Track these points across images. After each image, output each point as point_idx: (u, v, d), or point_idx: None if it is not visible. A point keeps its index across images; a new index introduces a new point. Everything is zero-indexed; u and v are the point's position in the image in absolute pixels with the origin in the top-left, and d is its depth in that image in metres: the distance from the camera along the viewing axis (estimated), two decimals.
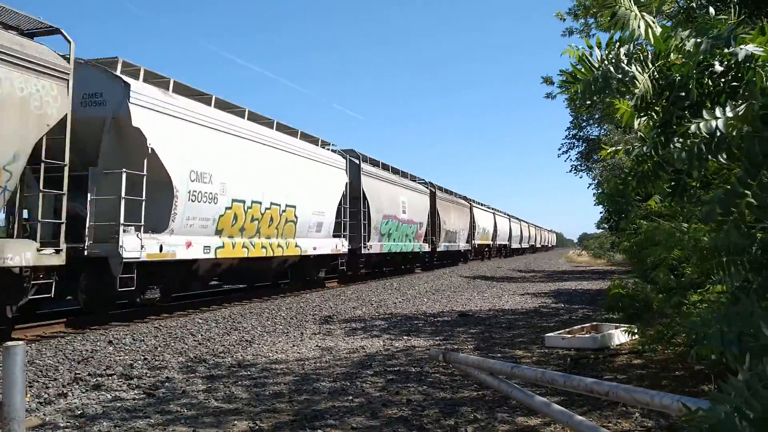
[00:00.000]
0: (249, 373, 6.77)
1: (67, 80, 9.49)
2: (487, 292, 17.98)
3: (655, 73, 2.12)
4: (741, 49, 1.89)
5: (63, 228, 9.46)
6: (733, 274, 2.20)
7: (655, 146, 2.15)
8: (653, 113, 2.21)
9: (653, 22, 2.21)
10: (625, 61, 2.10)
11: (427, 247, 29.87)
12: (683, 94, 2.07)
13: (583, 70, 2.13)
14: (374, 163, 24.13)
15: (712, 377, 4.97)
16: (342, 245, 19.61)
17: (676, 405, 2.65)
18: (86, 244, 10.18)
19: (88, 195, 10.30)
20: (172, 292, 13.24)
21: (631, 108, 2.26)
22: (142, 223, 10.82)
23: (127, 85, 10.81)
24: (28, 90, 8.78)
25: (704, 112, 1.85)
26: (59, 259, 9.29)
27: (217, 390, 5.94)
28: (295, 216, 16.54)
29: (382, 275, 25.60)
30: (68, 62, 9.60)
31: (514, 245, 61.54)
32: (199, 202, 12.35)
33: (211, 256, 12.89)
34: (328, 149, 19.96)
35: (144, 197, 10.85)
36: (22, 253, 8.68)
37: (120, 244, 10.25)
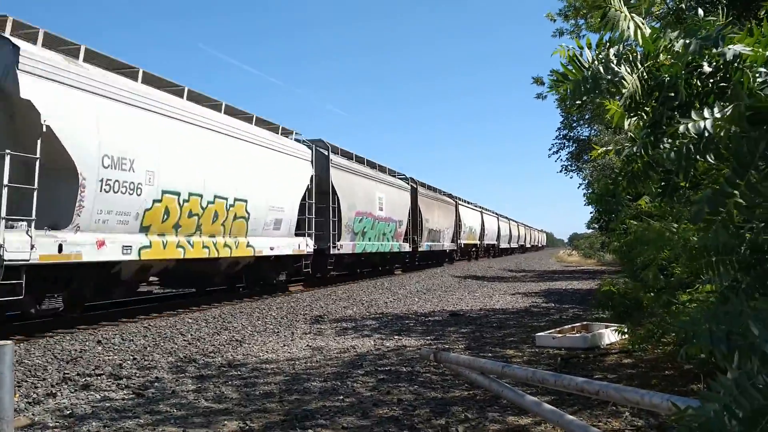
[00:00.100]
0: (239, 372, 6.75)
1: None
2: (478, 291, 18.02)
3: (645, 74, 2.13)
4: (729, 49, 1.91)
5: None
6: (722, 273, 2.21)
7: (645, 146, 2.16)
8: (643, 113, 2.22)
9: (643, 24, 2.22)
10: (615, 62, 2.11)
11: (407, 247, 28.16)
12: (672, 94, 2.08)
13: (573, 70, 2.14)
14: (346, 155, 22.08)
15: (702, 376, 5.00)
16: (306, 245, 17.49)
17: (666, 404, 2.67)
18: None
19: None
20: (86, 300, 11.25)
21: (621, 108, 2.27)
22: (34, 217, 8.74)
23: (16, 48, 8.79)
24: None
25: (692, 113, 1.87)
26: None
27: (207, 390, 5.92)
28: (247, 212, 14.44)
29: (356, 277, 23.58)
30: None
31: (503, 245, 60.26)
32: (116, 192, 10.29)
33: (134, 257, 10.78)
34: (292, 138, 17.81)
35: (36, 186, 8.80)
36: None
37: None
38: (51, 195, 9.28)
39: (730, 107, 1.82)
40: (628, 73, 2.08)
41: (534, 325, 10.32)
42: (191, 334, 9.52)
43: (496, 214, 58.57)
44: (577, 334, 8.29)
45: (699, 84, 2.08)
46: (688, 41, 1.99)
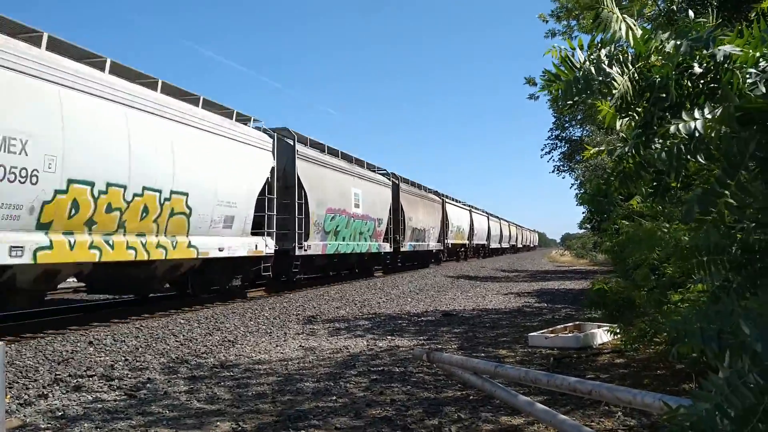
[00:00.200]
0: (232, 373, 6.74)
1: None
2: (470, 291, 18.04)
3: (636, 75, 2.15)
4: (719, 50, 1.92)
5: None
6: (713, 273, 2.23)
7: (636, 147, 2.17)
8: (634, 114, 2.23)
9: (634, 25, 2.23)
10: (606, 62, 2.12)
11: (388, 247, 26.14)
12: (663, 95, 2.09)
13: (565, 70, 2.15)
14: (317, 146, 20.05)
15: (693, 376, 5.03)
16: (266, 245, 15.54)
17: (658, 404, 2.68)
18: None
19: None
20: None
21: (612, 109, 2.28)
22: None
23: None
24: None
25: (683, 114, 1.88)
26: None
27: (199, 391, 5.91)
28: (188, 207, 12.42)
29: (329, 281, 21.56)
30: None
31: (494, 245, 58.69)
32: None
33: (26, 260, 8.79)
34: (250, 126, 15.78)
35: None
36: None
37: None
38: None
39: (720, 108, 1.83)
40: (620, 74, 2.09)
41: (526, 325, 10.34)
42: (183, 335, 9.49)
43: (487, 213, 57.04)
44: (569, 334, 8.32)
45: (690, 85, 2.09)
46: (678, 42, 2.00)
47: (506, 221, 73.45)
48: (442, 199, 37.30)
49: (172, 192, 11.94)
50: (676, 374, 5.74)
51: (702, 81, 2.07)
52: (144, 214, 11.26)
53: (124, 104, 10.78)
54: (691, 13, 2.40)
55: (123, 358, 7.69)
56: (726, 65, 1.90)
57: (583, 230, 58.34)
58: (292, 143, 17.52)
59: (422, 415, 4.97)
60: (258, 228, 15.54)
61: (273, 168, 16.13)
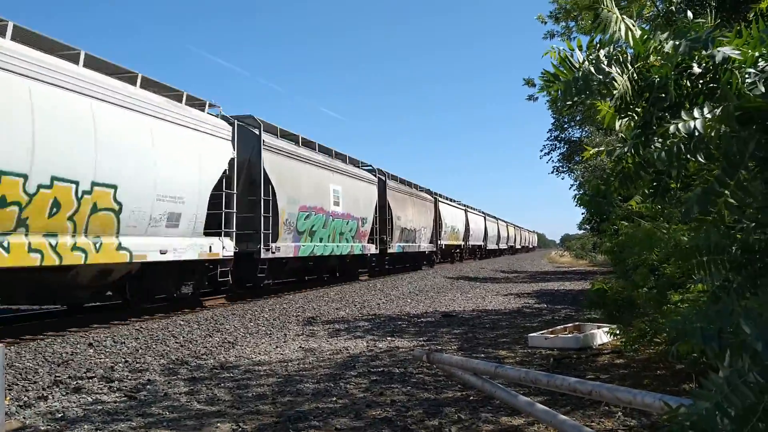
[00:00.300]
0: (232, 374, 6.74)
1: None
2: (470, 292, 18.04)
3: (635, 75, 2.15)
4: (718, 51, 1.92)
5: None
6: (713, 273, 2.23)
7: (636, 147, 2.17)
8: (633, 114, 2.24)
9: (633, 26, 2.23)
10: (606, 63, 2.13)
11: (373, 249, 24.14)
12: (662, 95, 2.10)
13: (564, 71, 2.15)
14: (288, 137, 18.32)
15: (693, 376, 5.03)
16: (222, 247, 13.52)
17: (658, 403, 2.68)
18: None
19: None
20: None
21: (611, 109, 2.28)
22: None
23: None
24: None
25: (683, 113, 1.88)
26: None
27: (199, 392, 5.91)
28: (117, 202, 10.49)
29: (305, 286, 19.72)
30: None
31: (491, 246, 56.75)
32: None
33: None
34: (205, 111, 13.83)
35: None
36: None
37: None
38: None
39: (719, 107, 1.84)
40: (619, 74, 2.10)
41: (526, 325, 10.34)
42: (183, 336, 9.49)
43: (483, 213, 55.13)
44: (569, 335, 8.32)
45: (689, 85, 2.10)
46: (677, 42, 2.01)
47: (504, 222, 71.84)
48: (435, 198, 35.50)
49: (93, 184, 9.97)
50: (676, 374, 5.74)
51: (701, 81, 2.08)
52: (54, 210, 9.30)
53: (28, 76, 8.89)
54: (689, 14, 2.40)
55: (123, 360, 7.69)
56: (725, 66, 1.91)
57: (582, 231, 58.38)
58: (257, 132, 15.51)
59: (422, 415, 4.97)
60: (212, 227, 13.65)
61: (233, 159, 14.11)
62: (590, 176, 21.81)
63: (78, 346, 8.62)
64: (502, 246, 65.79)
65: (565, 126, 31.94)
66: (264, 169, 15.52)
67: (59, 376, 6.73)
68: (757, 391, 1.48)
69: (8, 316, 11.86)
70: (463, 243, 43.44)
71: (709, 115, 1.84)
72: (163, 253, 11.69)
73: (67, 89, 9.63)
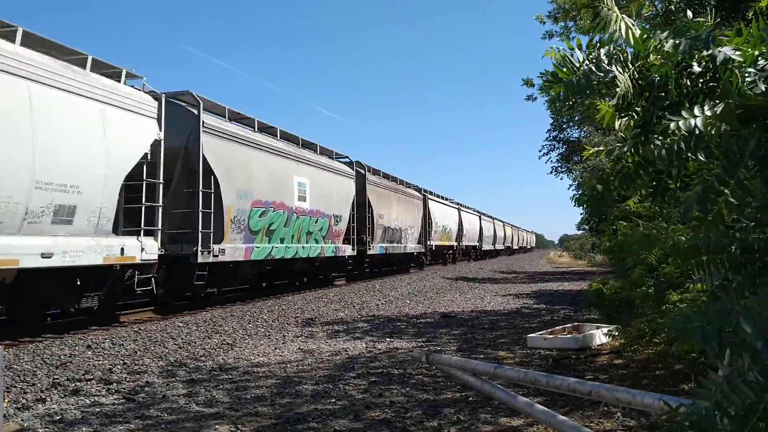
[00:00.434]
0: (230, 376, 6.73)
1: None
2: (469, 293, 18.04)
3: (635, 74, 2.15)
4: (719, 51, 1.92)
5: None
6: (712, 273, 2.23)
7: (636, 146, 2.17)
8: (634, 113, 2.23)
9: (633, 25, 2.23)
10: (606, 62, 2.12)
11: (349, 250, 21.39)
12: (663, 94, 2.09)
13: (565, 70, 2.15)
14: (240, 120, 15.92)
15: (692, 376, 5.03)
16: (141, 249, 10.95)
17: (658, 404, 2.68)
18: None
19: None
20: None
21: (611, 108, 2.28)
22: None
23: None
24: None
25: (683, 111, 1.88)
26: None
27: (197, 394, 5.89)
28: None
29: (263, 294, 16.82)
30: None
31: (486, 246, 54.12)
32: None
33: None
34: (121, 82, 11.09)
35: None
36: None
37: None
38: None
39: (720, 105, 1.83)
40: (620, 72, 2.09)
41: (525, 326, 10.34)
42: (182, 338, 9.47)
43: (478, 212, 52.36)
44: (568, 335, 8.31)
45: (689, 84, 2.10)
46: (677, 41, 2.00)
47: (501, 221, 69.20)
48: (424, 195, 33.02)
49: None
50: (675, 374, 5.73)
51: (701, 80, 2.07)
52: None
53: None
54: (689, 13, 2.40)
55: (121, 362, 7.67)
56: (725, 65, 1.90)
57: (581, 231, 58.30)
58: (195, 112, 12.94)
59: (421, 416, 4.96)
60: (131, 225, 11.37)
61: (158, 142, 11.53)
62: (589, 176, 21.82)
63: (76, 348, 8.60)
64: (499, 246, 63.42)
65: (564, 126, 31.95)
66: (204, 155, 12.89)
67: (57, 379, 6.72)
68: (758, 390, 1.48)
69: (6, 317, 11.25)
70: (456, 243, 40.99)
71: (709, 113, 1.84)
72: (46, 257, 9.09)
73: None
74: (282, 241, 16.41)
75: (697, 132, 1.80)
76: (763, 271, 2.10)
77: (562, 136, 33.00)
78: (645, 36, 2.16)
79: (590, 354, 7.43)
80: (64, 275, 9.95)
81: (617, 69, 2.09)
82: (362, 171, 23.24)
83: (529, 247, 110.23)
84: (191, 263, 12.69)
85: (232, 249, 14.01)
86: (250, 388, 6.10)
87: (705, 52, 1.97)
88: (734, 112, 1.75)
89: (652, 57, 2.14)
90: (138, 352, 8.33)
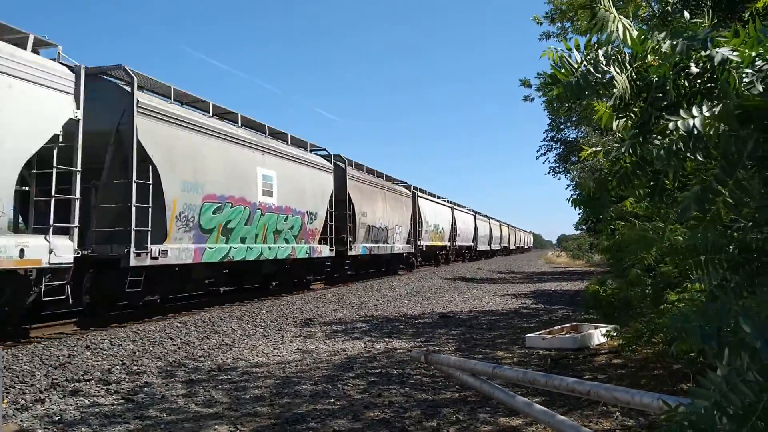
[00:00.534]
0: (229, 376, 6.73)
1: None
2: (467, 293, 18.05)
3: (633, 74, 2.15)
4: (717, 52, 1.93)
5: None
6: (710, 272, 2.24)
7: (634, 146, 2.18)
8: (632, 114, 2.24)
9: (630, 25, 2.24)
10: (604, 63, 2.13)
11: (327, 251, 19.42)
12: (661, 94, 2.10)
13: (563, 71, 2.16)
14: (193, 102, 14.01)
15: (691, 375, 5.04)
16: (49, 251, 9.17)
17: (657, 403, 2.68)
18: None
19: None
20: None
21: (609, 109, 2.29)
22: None
23: None
24: None
25: (681, 112, 1.89)
26: None
27: (196, 394, 5.90)
28: None
29: (222, 301, 15.00)
30: None
31: (482, 247, 52.35)
32: None
33: None
34: (28, 50, 9.32)
35: None
36: None
37: None
38: None
39: (718, 106, 1.84)
40: (618, 73, 2.10)
41: (524, 326, 10.35)
42: (180, 339, 9.47)
43: (473, 211, 50.46)
44: (566, 335, 8.32)
45: (687, 84, 2.10)
46: (675, 42, 2.01)
47: (497, 221, 67.11)
48: (414, 193, 31.07)
49: None
50: (674, 374, 5.75)
51: (699, 81, 2.08)
52: None
53: None
54: (686, 14, 2.41)
55: (120, 362, 7.67)
56: (723, 66, 1.91)
57: (579, 231, 58.24)
58: (129, 90, 11.15)
59: (420, 416, 4.97)
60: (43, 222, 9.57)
61: (75, 122, 9.87)
62: (586, 176, 21.82)
63: (75, 348, 8.60)
64: (495, 246, 61.49)
65: (561, 127, 31.96)
66: (138, 140, 11.03)
67: (56, 379, 6.71)
68: (757, 389, 1.49)
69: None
70: (449, 244, 38.96)
71: (708, 114, 1.85)
72: None
73: None
74: (243, 240, 14.63)
75: (696, 132, 1.80)
76: (761, 270, 2.11)
77: (559, 136, 33.01)
78: (643, 37, 2.17)
79: (589, 354, 7.44)
80: None
81: (615, 70, 2.10)
82: (342, 165, 21.39)
83: (526, 247, 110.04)
84: (122, 267, 10.80)
85: (177, 250, 12.09)
86: (249, 389, 6.11)
87: (703, 53, 1.98)
88: (733, 112, 1.76)
89: (650, 58, 2.15)
90: (137, 353, 8.32)
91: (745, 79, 1.81)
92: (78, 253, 9.94)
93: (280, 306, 14.22)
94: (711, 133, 1.84)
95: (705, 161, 1.92)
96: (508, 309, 13.48)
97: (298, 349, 8.52)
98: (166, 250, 11.68)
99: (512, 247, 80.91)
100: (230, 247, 14.02)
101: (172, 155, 12.03)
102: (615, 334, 6.85)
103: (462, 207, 45.29)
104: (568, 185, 32.52)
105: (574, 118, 26.34)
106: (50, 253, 9.24)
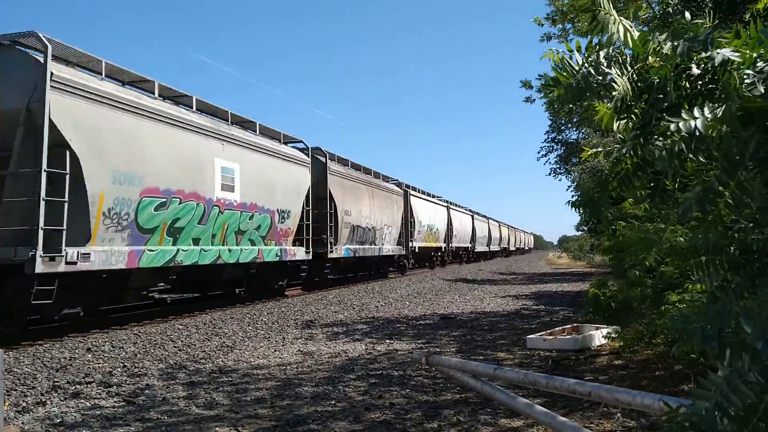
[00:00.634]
0: (230, 378, 6.73)
1: None
2: (468, 294, 18.05)
3: (634, 76, 2.16)
4: (718, 53, 1.93)
5: None
6: (711, 273, 2.24)
7: (635, 147, 2.18)
8: (633, 115, 2.24)
9: (631, 27, 2.24)
10: (605, 64, 2.13)
11: (301, 253, 17.29)
12: (662, 96, 2.10)
13: (564, 73, 2.16)
14: (135, 81, 11.95)
15: (692, 376, 5.04)
16: None
17: (658, 404, 2.68)
18: None
19: None
20: None
21: (610, 110, 2.29)
22: None
23: None
24: None
25: (683, 113, 1.89)
26: None
27: (197, 396, 5.90)
28: None
29: (174, 312, 13.24)
30: None
31: (480, 248, 50.62)
32: None
33: None
34: None
35: None
36: None
37: None
38: None
39: (720, 107, 1.84)
40: (619, 75, 2.10)
41: (525, 327, 10.35)
42: (182, 341, 9.47)
43: (471, 211, 48.49)
44: (567, 336, 8.32)
45: (688, 86, 2.11)
46: (676, 43, 2.01)
47: (496, 221, 65.02)
48: (405, 191, 29.07)
49: None
50: (675, 375, 5.75)
51: (700, 82, 2.08)
52: None
53: None
54: (687, 15, 2.41)
55: (121, 365, 7.67)
56: (724, 67, 1.91)
57: (580, 232, 58.17)
58: (42, 60, 9.26)
59: (421, 418, 4.97)
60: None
61: None
62: (587, 177, 21.82)
63: (76, 351, 8.60)
64: (494, 248, 59.58)
65: (562, 128, 31.96)
66: (51, 120, 9.15)
67: (58, 382, 6.71)
68: (758, 390, 1.49)
69: None
70: (444, 245, 37.05)
71: (709, 115, 1.85)
72: None
73: None
74: (196, 242, 12.64)
75: (698, 134, 1.81)
76: (762, 271, 2.11)
77: (560, 137, 33.02)
78: (644, 38, 2.17)
79: (590, 355, 7.44)
80: None
81: (616, 71, 2.10)
82: (322, 159, 19.30)
83: (526, 248, 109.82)
84: (27, 274, 8.86)
85: (105, 253, 10.09)
86: (249, 391, 6.11)
87: (704, 54, 1.98)
88: (735, 114, 1.77)
89: (651, 59, 2.15)
90: (138, 355, 8.33)
91: (746, 80, 1.82)
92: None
93: (280, 308, 14.23)
94: (713, 134, 1.84)
95: (706, 162, 1.92)
96: (509, 310, 13.47)
97: (299, 350, 8.52)
98: (89, 254, 9.74)
99: (512, 248, 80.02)
100: (178, 249, 11.96)
101: (99, 141, 10.05)
102: (616, 335, 6.85)
103: (459, 207, 43.81)
104: (569, 186, 32.54)
105: (575, 119, 26.34)
106: None
